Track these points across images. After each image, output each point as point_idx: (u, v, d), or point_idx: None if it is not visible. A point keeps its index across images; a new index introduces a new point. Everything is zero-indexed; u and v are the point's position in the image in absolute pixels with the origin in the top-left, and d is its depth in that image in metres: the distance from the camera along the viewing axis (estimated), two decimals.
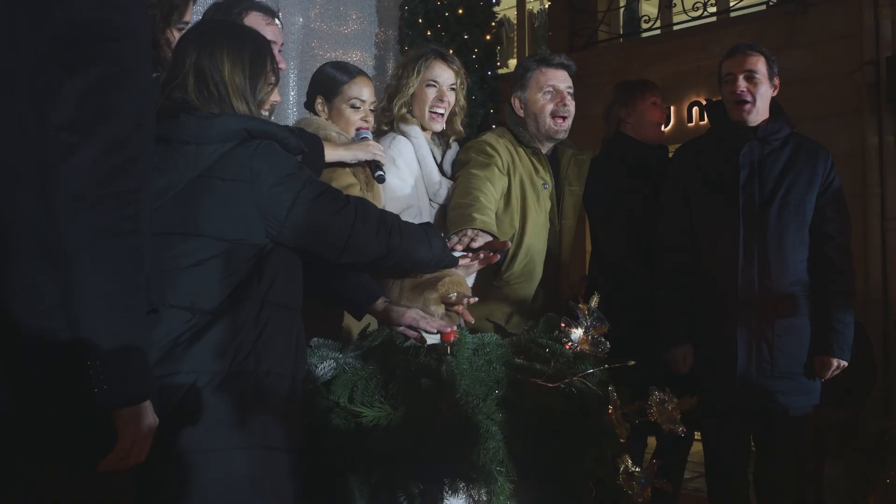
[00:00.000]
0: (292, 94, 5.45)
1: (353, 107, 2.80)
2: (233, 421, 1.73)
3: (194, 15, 2.36)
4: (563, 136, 3.21)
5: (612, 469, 2.04)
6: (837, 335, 3.17)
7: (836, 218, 3.23)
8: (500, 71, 7.62)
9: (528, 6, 9.93)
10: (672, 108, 7.96)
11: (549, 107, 3.13)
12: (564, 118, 3.15)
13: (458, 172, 3.04)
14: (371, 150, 2.66)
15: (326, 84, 2.84)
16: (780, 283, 3.16)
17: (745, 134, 3.23)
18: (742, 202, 3.18)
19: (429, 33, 5.70)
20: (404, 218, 2.62)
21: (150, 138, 1.63)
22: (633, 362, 2.16)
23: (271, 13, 2.86)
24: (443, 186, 3.01)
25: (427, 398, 1.92)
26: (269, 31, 2.81)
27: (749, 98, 3.21)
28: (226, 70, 1.92)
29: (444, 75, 2.99)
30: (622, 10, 8.81)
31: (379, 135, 3.00)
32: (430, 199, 3.00)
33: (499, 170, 3.04)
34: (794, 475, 3.29)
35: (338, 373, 2.06)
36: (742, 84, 3.21)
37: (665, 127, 7.75)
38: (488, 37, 5.84)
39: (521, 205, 3.11)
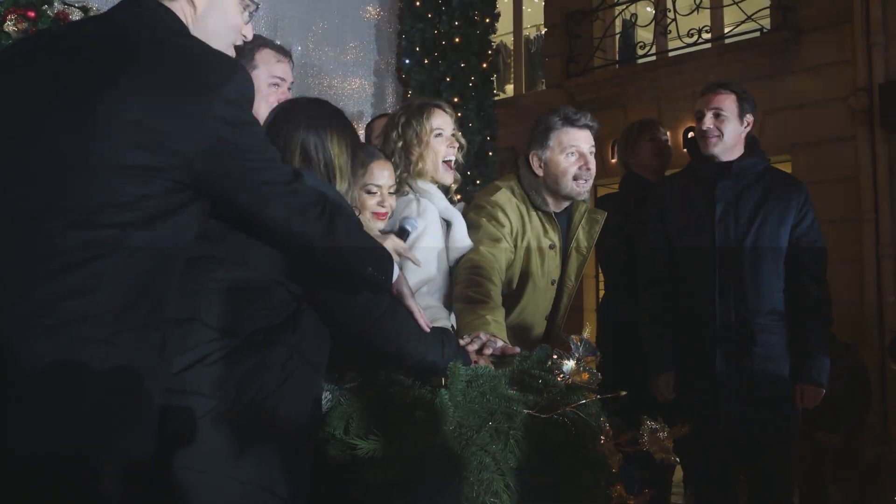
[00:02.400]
0: None
1: (369, 192, 2.68)
2: (239, 453, 1.76)
3: None
4: (584, 197, 3.11)
5: (605, 498, 2.05)
6: (815, 363, 3.27)
7: (810, 249, 3.34)
8: (497, 97, 7.72)
9: (525, 32, 10.02)
10: (668, 133, 8.02)
11: (573, 170, 3.00)
12: (587, 181, 3.03)
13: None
14: (405, 253, 2.50)
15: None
16: (756, 313, 3.27)
17: (721, 169, 3.36)
18: (718, 235, 3.30)
19: (426, 61, 5.77)
20: (423, 293, 2.68)
21: None
22: (624, 392, 2.17)
23: (284, 51, 2.89)
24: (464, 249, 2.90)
25: (421, 430, 1.93)
26: (280, 68, 2.85)
27: (716, 133, 3.33)
28: (334, 153, 2.07)
29: (447, 124, 2.93)
30: (618, 36, 8.89)
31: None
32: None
33: (506, 241, 2.94)
34: (784, 500, 3.37)
35: (334, 404, 2.07)
36: (709, 121, 3.35)
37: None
38: (485, 65, 5.89)
39: (522, 269, 3.03)
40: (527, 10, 10.02)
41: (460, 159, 2.99)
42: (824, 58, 7.22)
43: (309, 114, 2.10)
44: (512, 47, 10.10)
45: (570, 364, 2.13)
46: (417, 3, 5.91)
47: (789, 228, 3.31)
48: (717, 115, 3.34)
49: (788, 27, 7.35)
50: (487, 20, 6.06)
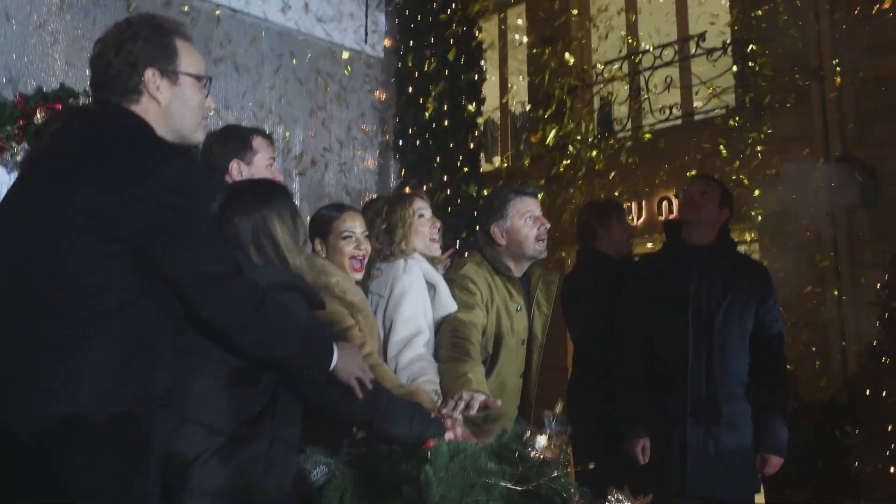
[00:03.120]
0: (294, 198, 5.99)
1: (345, 238, 3.01)
2: None
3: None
4: (544, 255, 3.53)
5: None
6: (775, 433, 3.58)
7: (772, 329, 3.69)
8: (484, 169, 8.17)
9: (511, 108, 10.51)
10: (644, 202, 8.50)
11: (534, 232, 3.40)
12: (545, 240, 3.46)
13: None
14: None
15: (320, 225, 3.09)
16: (724, 385, 3.58)
17: (696, 252, 3.72)
18: (691, 313, 3.61)
19: (417, 142, 6.24)
20: (414, 344, 2.97)
21: None
22: (592, 466, 2.45)
23: (268, 136, 3.24)
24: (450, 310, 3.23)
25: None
26: (271, 150, 3.18)
27: (700, 204, 3.74)
28: (278, 234, 2.21)
29: (427, 207, 3.36)
30: (596, 113, 9.28)
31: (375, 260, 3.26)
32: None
33: (479, 307, 3.26)
34: None
35: (330, 478, 2.22)
36: (696, 193, 3.77)
37: (636, 221, 8.35)
38: (472, 145, 6.36)
39: (496, 331, 3.36)
40: (512, 87, 10.55)
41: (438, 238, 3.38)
42: (785, 133, 7.65)
43: (249, 199, 2.22)
44: (499, 122, 10.56)
45: (542, 440, 2.31)
46: (410, 89, 6.43)
47: (755, 309, 3.66)
48: (703, 193, 3.75)
49: (752, 105, 7.82)
50: (474, 104, 6.56)
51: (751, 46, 7.91)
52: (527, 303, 3.50)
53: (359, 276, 3.08)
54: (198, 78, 2.05)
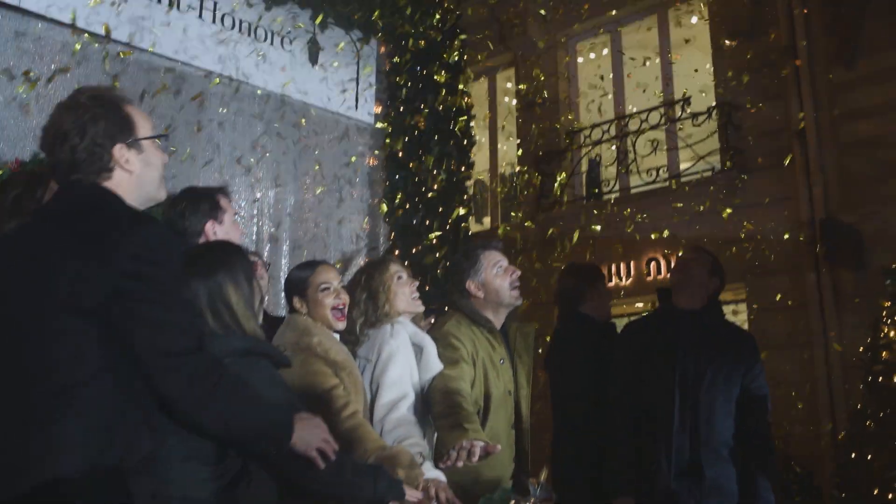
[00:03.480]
0: (284, 261, 6.06)
1: (323, 290, 3.10)
2: None
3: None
4: (520, 303, 3.67)
5: None
6: (762, 498, 3.60)
7: (758, 393, 3.73)
8: (474, 230, 8.27)
9: (501, 169, 10.68)
10: (632, 263, 8.60)
11: (507, 281, 3.59)
12: (518, 287, 3.63)
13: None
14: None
15: (296, 283, 3.17)
16: (708, 448, 3.60)
17: (685, 317, 3.79)
18: (678, 376, 3.65)
19: (408, 206, 6.33)
20: (399, 407, 3.02)
21: None
22: None
23: (227, 192, 3.30)
24: (435, 371, 3.29)
25: None
26: (232, 206, 3.25)
27: (693, 272, 3.83)
28: (232, 300, 2.25)
29: (402, 269, 3.47)
30: (584, 174, 9.45)
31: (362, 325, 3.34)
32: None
33: (465, 361, 3.37)
34: None
35: None
36: (691, 260, 3.89)
37: (625, 281, 8.43)
38: (462, 209, 6.45)
39: (483, 384, 3.45)
40: (502, 148, 10.74)
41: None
42: (770, 194, 7.81)
43: (204, 264, 2.26)
44: (488, 183, 10.70)
45: None
46: (400, 154, 6.54)
47: (741, 376, 3.71)
48: (693, 259, 3.88)
49: (737, 167, 7.99)
50: (463, 168, 6.67)
51: (734, 111, 8.11)
52: (508, 354, 3.62)
53: (341, 325, 3.15)
54: (156, 138, 2.15)
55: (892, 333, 4.21)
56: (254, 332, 2.27)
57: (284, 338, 3.06)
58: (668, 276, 3.97)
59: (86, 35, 5.18)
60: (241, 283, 2.28)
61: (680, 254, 4.01)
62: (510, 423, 3.54)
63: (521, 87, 9.99)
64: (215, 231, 3.03)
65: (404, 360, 3.22)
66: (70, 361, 1.81)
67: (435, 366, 3.29)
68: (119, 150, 2.04)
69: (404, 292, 3.39)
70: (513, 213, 10.00)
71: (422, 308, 3.48)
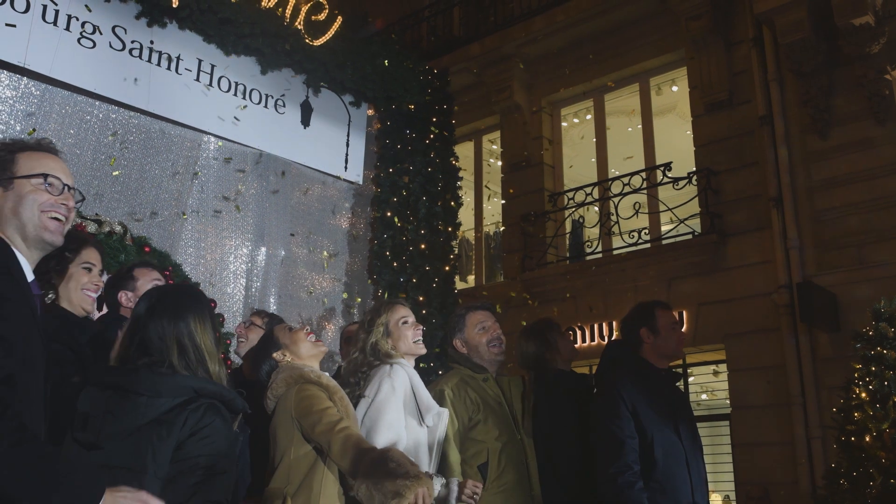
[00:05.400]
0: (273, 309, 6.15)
1: (296, 333, 3.25)
2: None
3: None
4: (501, 357, 3.97)
5: None
6: None
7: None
8: (459, 286, 8.38)
9: (485, 229, 10.86)
10: (614, 322, 8.72)
11: (485, 339, 3.93)
12: (497, 346, 3.94)
13: None
14: None
15: (276, 339, 3.28)
16: (700, 492, 3.77)
17: (665, 373, 4.01)
18: (682, 433, 3.80)
19: (395, 265, 6.47)
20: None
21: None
22: None
23: (149, 264, 3.67)
24: (433, 409, 3.44)
25: None
26: (152, 273, 3.56)
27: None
28: (200, 341, 2.26)
29: (409, 313, 3.64)
30: (568, 235, 9.66)
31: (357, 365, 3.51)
32: (421, 418, 3.40)
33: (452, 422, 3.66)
34: None
35: None
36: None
37: (607, 340, 8.54)
38: (447, 267, 6.59)
39: (492, 425, 3.75)
40: (487, 208, 10.94)
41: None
42: (748, 258, 8.03)
43: (172, 304, 2.28)
44: (473, 242, 10.88)
45: None
46: (388, 213, 6.70)
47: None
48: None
49: (716, 231, 8.20)
50: (450, 228, 6.84)
51: (713, 176, 8.35)
52: (505, 400, 3.91)
53: (322, 349, 3.30)
54: (32, 177, 2.22)
55: (863, 395, 4.32)
56: (216, 374, 2.28)
57: (277, 379, 3.15)
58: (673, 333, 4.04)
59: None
60: (207, 325, 2.31)
61: (666, 308, 4.10)
62: (520, 461, 3.81)
63: (505, 148, 10.22)
64: (129, 298, 3.36)
65: (400, 402, 3.35)
66: None
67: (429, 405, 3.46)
68: None
69: (408, 335, 3.56)
70: (497, 273, 10.13)
71: (423, 351, 3.63)
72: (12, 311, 2.01)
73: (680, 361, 7.66)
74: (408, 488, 2.59)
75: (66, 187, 2.27)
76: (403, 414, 3.35)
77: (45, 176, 2.23)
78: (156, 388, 2.15)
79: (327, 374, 3.24)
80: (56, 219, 2.23)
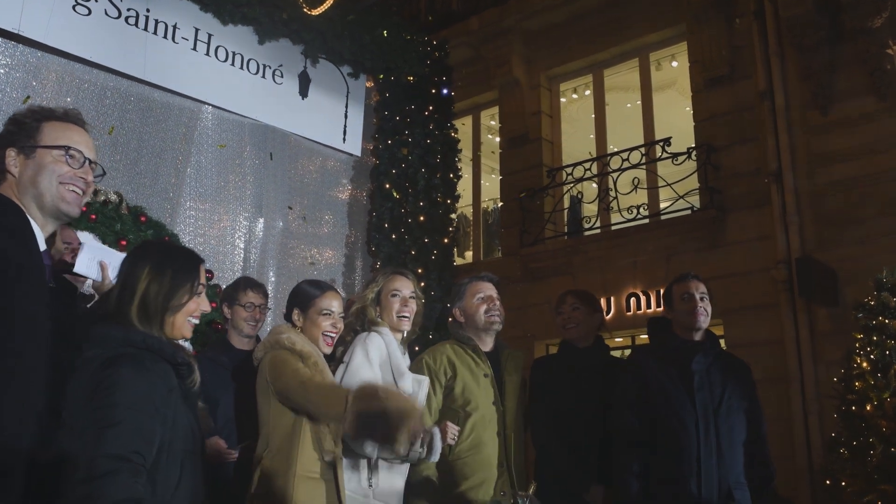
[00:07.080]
0: (271, 286, 6.11)
1: (324, 314, 3.29)
2: None
3: None
4: (497, 326, 3.97)
5: None
6: None
7: (758, 420, 3.84)
8: (457, 262, 8.35)
9: (483, 205, 10.82)
10: (612, 298, 8.72)
11: (482, 308, 3.95)
12: (494, 314, 3.94)
13: None
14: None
15: (301, 298, 3.35)
16: (733, 474, 3.66)
17: (692, 346, 3.85)
18: (698, 402, 3.71)
19: (393, 237, 6.43)
20: None
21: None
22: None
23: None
24: (407, 376, 3.49)
25: None
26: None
27: (705, 312, 3.86)
28: (144, 288, 2.19)
29: (406, 287, 3.64)
30: (566, 211, 9.62)
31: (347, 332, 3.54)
32: (395, 382, 3.44)
33: (431, 388, 3.71)
34: None
35: None
36: (701, 301, 3.86)
37: (606, 316, 8.55)
38: (446, 240, 6.56)
39: (463, 392, 3.77)
40: (485, 184, 10.90)
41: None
42: (747, 234, 8.02)
43: (134, 253, 2.29)
44: (471, 218, 10.85)
45: None
46: (387, 185, 6.66)
47: (749, 401, 3.80)
48: (702, 298, 3.88)
49: (715, 206, 8.18)
50: (449, 201, 6.80)
51: (712, 152, 8.31)
52: (496, 372, 3.92)
53: (328, 350, 3.34)
54: (54, 148, 2.24)
55: (864, 364, 4.33)
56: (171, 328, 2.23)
57: (263, 341, 3.26)
58: (681, 304, 3.92)
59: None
60: (161, 276, 2.23)
61: (683, 280, 4.01)
62: (496, 432, 3.81)
63: (504, 123, 10.17)
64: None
65: (373, 364, 3.39)
66: None
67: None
68: (9, 154, 2.22)
69: (392, 308, 3.57)
70: (494, 249, 10.10)
71: (406, 326, 3.62)
72: (23, 277, 2.04)
73: None
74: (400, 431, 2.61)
75: (87, 161, 2.31)
76: (381, 380, 3.38)
77: (67, 148, 2.27)
78: (93, 338, 2.13)
79: (311, 344, 3.29)
80: (74, 191, 2.27)
